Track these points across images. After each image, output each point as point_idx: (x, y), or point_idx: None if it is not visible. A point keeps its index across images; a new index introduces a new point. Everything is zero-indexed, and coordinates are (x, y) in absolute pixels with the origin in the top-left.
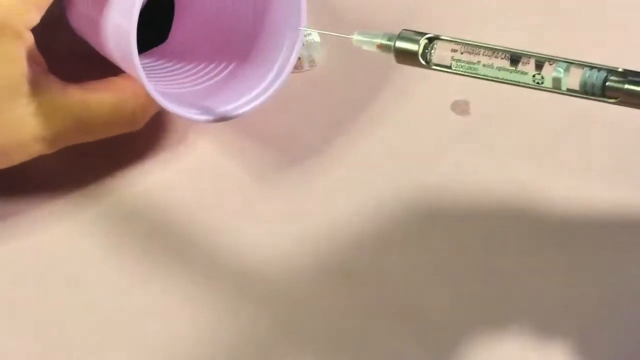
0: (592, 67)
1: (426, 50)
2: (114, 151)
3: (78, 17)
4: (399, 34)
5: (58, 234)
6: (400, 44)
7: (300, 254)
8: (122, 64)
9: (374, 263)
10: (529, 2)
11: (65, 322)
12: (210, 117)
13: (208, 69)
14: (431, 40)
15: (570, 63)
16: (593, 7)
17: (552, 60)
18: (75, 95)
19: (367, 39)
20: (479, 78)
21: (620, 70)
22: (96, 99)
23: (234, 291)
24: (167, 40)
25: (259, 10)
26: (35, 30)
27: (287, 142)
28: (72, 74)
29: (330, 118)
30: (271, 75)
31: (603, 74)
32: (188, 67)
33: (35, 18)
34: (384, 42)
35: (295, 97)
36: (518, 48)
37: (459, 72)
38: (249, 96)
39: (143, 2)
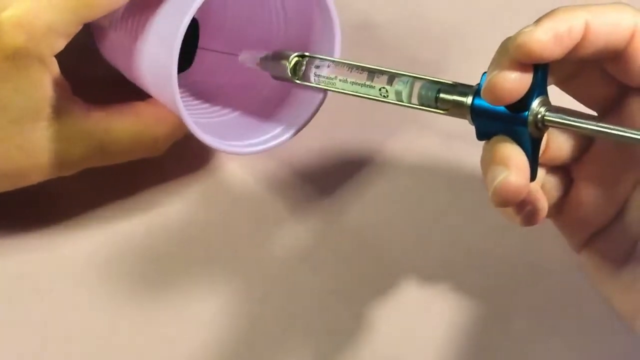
0: (430, 80)
1: (297, 67)
2: (136, 171)
3: (109, 45)
4: (273, 52)
5: (74, 254)
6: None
7: (325, 281)
8: (158, 96)
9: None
10: None
11: (78, 340)
12: (249, 150)
13: (238, 96)
14: (303, 57)
15: (414, 78)
16: None
17: (401, 75)
18: (97, 120)
19: (250, 57)
20: (337, 91)
21: (451, 83)
22: (119, 125)
23: (260, 319)
24: (192, 65)
25: (289, 37)
26: (60, 54)
27: (316, 167)
28: (97, 96)
29: (361, 146)
30: (317, 101)
31: (436, 86)
32: (218, 94)
33: (61, 45)
34: (262, 58)
35: (326, 122)
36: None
37: (321, 86)
38: (283, 126)
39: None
